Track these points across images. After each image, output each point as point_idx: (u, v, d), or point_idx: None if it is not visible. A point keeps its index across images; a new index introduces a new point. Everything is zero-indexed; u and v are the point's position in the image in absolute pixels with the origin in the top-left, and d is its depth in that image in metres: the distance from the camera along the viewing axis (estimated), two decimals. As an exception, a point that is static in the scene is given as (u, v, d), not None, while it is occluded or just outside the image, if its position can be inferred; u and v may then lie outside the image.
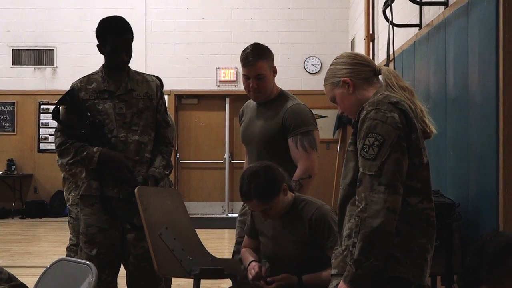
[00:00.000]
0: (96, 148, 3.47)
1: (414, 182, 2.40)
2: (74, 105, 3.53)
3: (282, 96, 3.71)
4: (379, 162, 2.31)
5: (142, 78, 3.68)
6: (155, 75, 4.75)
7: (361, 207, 2.31)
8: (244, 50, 3.64)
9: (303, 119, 3.60)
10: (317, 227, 3.02)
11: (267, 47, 3.69)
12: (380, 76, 2.57)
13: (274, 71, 3.68)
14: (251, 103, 3.84)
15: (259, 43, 3.71)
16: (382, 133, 2.33)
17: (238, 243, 3.65)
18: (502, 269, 1.82)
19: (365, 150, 2.34)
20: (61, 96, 3.60)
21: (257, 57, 3.58)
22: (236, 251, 3.68)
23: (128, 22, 3.60)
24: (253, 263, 3.20)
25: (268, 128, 3.63)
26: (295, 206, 3.13)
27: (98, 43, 3.57)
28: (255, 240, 3.32)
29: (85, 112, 3.50)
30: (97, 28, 3.57)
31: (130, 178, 3.49)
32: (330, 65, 2.62)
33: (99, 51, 3.59)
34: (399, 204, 2.31)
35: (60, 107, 3.56)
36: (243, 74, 3.66)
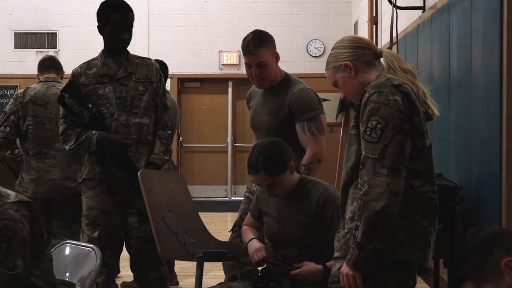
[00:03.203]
0: (95, 131, 3.51)
1: (417, 165, 2.40)
2: (76, 97, 3.56)
3: (288, 80, 3.69)
4: (382, 145, 2.31)
5: (142, 61, 3.69)
6: (160, 59, 4.77)
7: (364, 190, 2.31)
8: (245, 38, 3.61)
9: (309, 104, 3.59)
10: (325, 207, 3.02)
11: (268, 33, 3.66)
12: (381, 59, 2.56)
13: (277, 57, 3.65)
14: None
15: (260, 30, 3.67)
16: (384, 116, 2.33)
17: (241, 219, 3.66)
18: (482, 263, 1.82)
19: (368, 133, 2.34)
20: (64, 79, 3.62)
21: (258, 45, 3.55)
22: (237, 225, 3.70)
23: (128, 3, 3.62)
24: (258, 245, 3.18)
25: (275, 115, 3.63)
26: (302, 186, 3.13)
27: (99, 24, 3.58)
28: (257, 221, 3.32)
29: (86, 104, 3.52)
30: (98, 9, 3.59)
31: (130, 159, 3.51)
32: (332, 49, 2.62)
33: (100, 32, 3.60)
34: (401, 187, 2.31)
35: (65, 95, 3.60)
36: (245, 63, 3.65)
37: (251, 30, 3.68)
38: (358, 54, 2.53)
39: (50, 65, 4.71)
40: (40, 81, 4.67)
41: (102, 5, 3.60)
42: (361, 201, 2.31)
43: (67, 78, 3.80)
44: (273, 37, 3.71)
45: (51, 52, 10.92)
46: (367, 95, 2.39)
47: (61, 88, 4.56)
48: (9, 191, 2.58)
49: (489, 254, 1.82)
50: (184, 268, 5.47)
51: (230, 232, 3.79)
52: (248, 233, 3.30)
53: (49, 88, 4.59)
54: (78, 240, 3.54)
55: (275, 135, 3.45)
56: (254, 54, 3.56)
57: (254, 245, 3.19)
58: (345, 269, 2.37)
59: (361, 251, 2.31)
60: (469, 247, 1.86)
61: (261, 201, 3.27)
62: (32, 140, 4.50)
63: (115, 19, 3.52)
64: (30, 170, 4.50)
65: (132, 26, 3.59)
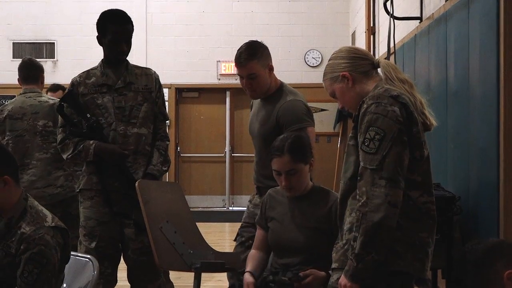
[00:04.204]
0: (92, 141, 3.50)
1: (415, 176, 2.40)
2: (75, 107, 3.56)
3: (280, 91, 3.68)
4: (380, 156, 2.31)
5: (141, 71, 3.69)
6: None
7: (362, 201, 2.30)
8: (238, 49, 3.62)
9: (295, 116, 3.57)
10: (336, 216, 3.01)
11: (261, 45, 3.66)
12: (379, 69, 2.57)
13: (270, 68, 3.64)
14: None
15: (253, 42, 3.67)
16: (383, 127, 2.33)
17: (243, 227, 3.69)
18: (484, 277, 1.82)
19: (366, 144, 2.34)
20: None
21: (248, 58, 3.56)
22: (239, 234, 3.70)
23: (128, 15, 3.63)
24: (248, 280, 3.10)
25: (265, 126, 3.64)
26: (314, 192, 3.13)
27: (98, 34, 3.59)
28: (267, 232, 3.25)
29: (84, 114, 3.52)
30: (98, 19, 3.60)
31: (127, 169, 3.51)
32: (329, 60, 2.62)
33: (99, 42, 3.61)
34: (400, 198, 2.31)
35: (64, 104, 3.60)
36: (237, 74, 3.67)
37: (249, 40, 3.70)
38: (355, 65, 2.53)
39: (27, 76, 4.67)
40: (20, 94, 4.68)
41: (101, 16, 3.60)
42: (359, 212, 2.31)
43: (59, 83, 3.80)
44: (270, 47, 3.72)
45: (49, 62, 10.94)
46: (365, 106, 2.39)
47: (39, 98, 4.59)
48: (46, 211, 2.65)
49: (490, 267, 1.82)
50: (182, 279, 5.46)
51: (234, 241, 3.80)
52: (248, 262, 3.23)
53: (26, 100, 4.60)
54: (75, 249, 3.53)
55: (266, 143, 3.46)
56: (245, 66, 3.58)
57: (246, 279, 3.13)
58: (343, 280, 2.36)
59: (359, 263, 2.30)
60: (469, 260, 1.86)
61: (269, 207, 3.24)
62: (13, 154, 4.50)
63: (113, 31, 3.52)
64: None
65: (131, 37, 3.59)
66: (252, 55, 3.57)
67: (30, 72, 4.69)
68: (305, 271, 2.98)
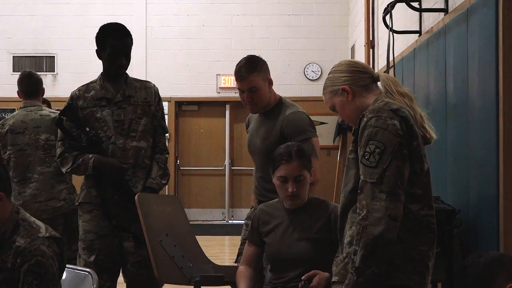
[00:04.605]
0: (91, 155, 3.50)
1: (415, 189, 2.40)
2: (74, 120, 3.57)
3: (281, 104, 3.68)
4: (380, 170, 2.31)
5: (141, 85, 3.70)
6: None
7: (363, 214, 2.30)
8: (238, 63, 3.62)
9: (300, 127, 3.58)
10: (336, 224, 3.00)
11: (260, 59, 3.67)
12: (379, 83, 2.57)
13: (270, 82, 3.65)
14: None
15: (252, 55, 3.68)
16: (383, 140, 2.33)
17: (243, 244, 3.65)
18: None
19: (366, 157, 2.34)
20: (61, 102, 3.63)
21: (249, 71, 3.56)
22: (240, 254, 3.66)
23: (127, 29, 3.64)
24: None
25: (267, 140, 3.62)
26: (311, 203, 3.13)
27: (97, 48, 3.60)
28: (258, 249, 3.22)
29: (84, 127, 3.53)
30: (97, 33, 3.61)
31: (126, 183, 3.51)
32: (329, 74, 2.63)
33: (98, 56, 3.62)
34: (400, 211, 2.31)
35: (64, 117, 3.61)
36: (237, 88, 3.67)
37: (248, 54, 3.71)
38: (355, 78, 2.54)
39: (27, 90, 4.68)
40: (20, 108, 4.69)
41: (100, 30, 3.61)
42: (359, 225, 2.30)
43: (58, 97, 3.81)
44: (270, 61, 3.73)
45: (49, 76, 10.96)
46: (365, 119, 2.39)
47: (40, 111, 4.60)
48: (38, 222, 2.64)
49: (491, 281, 1.82)
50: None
51: (235, 263, 3.74)
52: (240, 282, 3.16)
53: (27, 114, 4.61)
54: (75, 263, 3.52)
55: (269, 160, 3.45)
56: (246, 79, 3.57)
57: None
58: None
59: (359, 276, 2.29)
60: (470, 274, 1.86)
61: (262, 222, 3.21)
62: (15, 168, 4.55)
63: (112, 45, 3.53)
64: (16, 196, 4.50)
65: (130, 51, 3.60)
66: (253, 68, 3.58)
67: (30, 86, 4.69)
68: (308, 273, 2.94)
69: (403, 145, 2.34)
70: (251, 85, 3.57)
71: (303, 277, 2.93)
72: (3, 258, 2.51)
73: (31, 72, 4.84)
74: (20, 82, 4.72)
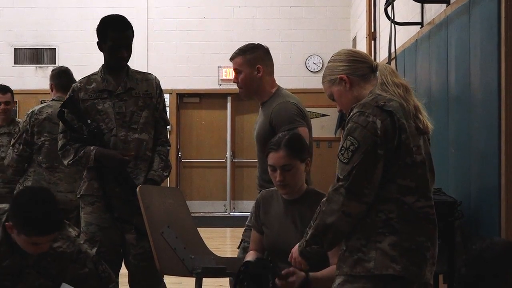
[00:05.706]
0: (93, 147, 3.51)
1: (408, 182, 2.40)
2: (75, 112, 3.57)
3: (276, 95, 3.69)
4: (350, 167, 2.38)
5: (142, 77, 3.70)
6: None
7: (323, 200, 2.45)
8: None
9: (286, 117, 3.56)
10: None
11: (258, 46, 3.69)
12: (377, 73, 2.57)
13: (259, 70, 3.64)
14: None
15: (256, 43, 3.73)
16: (359, 138, 2.37)
17: (245, 241, 3.65)
18: (505, 276, 1.81)
19: (342, 152, 2.41)
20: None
21: (238, 53, 3.64)
22: (243, 239, 3.67)
23: (129, 21, 3.63)
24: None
25: (261, 130, 3.65)
26: (308, 195, 3.11)
27: (98, 40, 3.59)
28: (262, 235, 3.23)
29: (85, 120, 3.53)
30: (98, 25, 3.60)
31: (128, 175, 3.51)
32: (328, 62, 2.64)
33: (99, 48, 3.61)
34: (356, 210, 2.37)
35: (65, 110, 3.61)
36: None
37: None
38: (353, 68, 2.55)
39: (64, 85, 4.84)
40: (53, 99, 4.89)
41: (101, 22, 3.61)
42: (319, 208, 2.45)
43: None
44: (271, 53, 3.72)
45: (50, 68, 10.95)
46: (351, 112, 2.42)
47: None
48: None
49: (507, 272, 1.82)
50: (183, 284, 5.46)
51: (238, 248, 3.76)
52: (248, 256, 3.21)
53: None
54: None
55: (262, 150, 3.46)
56: (232, 59, 3.66)
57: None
58: (295, 251, 2.60)
59: (306, 247, 2.52)
60: (488, 261, 1.86)
61: (263, 211, 3.22)
62: (46, 154, 4.77)
63: (113, 37, 3.53)
64: (41, 182, 4.75)
65: (131, 43, 3.60)
66: (242, 51, 3.64)
67: (67, 81, 4.86)
68: (288, 269, 2.95)
69: (378, 145, 2.36)
70: (235, 66, 3.65)
71: (283, 272, 2.92)
72: (43, 265, 2.63)
73: (67, 68, 5.15)
74: (58, 76, 4.99)
